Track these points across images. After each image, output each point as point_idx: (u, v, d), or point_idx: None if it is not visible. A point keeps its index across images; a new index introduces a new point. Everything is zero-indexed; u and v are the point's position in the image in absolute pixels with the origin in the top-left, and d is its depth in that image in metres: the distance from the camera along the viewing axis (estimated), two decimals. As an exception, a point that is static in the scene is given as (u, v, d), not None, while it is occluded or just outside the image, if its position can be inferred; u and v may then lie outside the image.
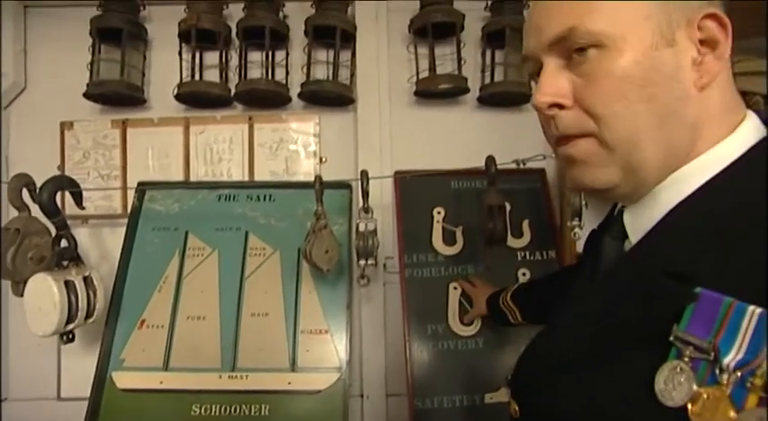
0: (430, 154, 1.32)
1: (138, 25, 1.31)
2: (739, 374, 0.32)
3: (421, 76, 1.31)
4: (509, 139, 1.29)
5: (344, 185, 1.27)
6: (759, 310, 0.32)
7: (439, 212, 1.25)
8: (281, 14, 1.33)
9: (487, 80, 1.32)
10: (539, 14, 0.46)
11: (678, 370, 0.35)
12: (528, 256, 1.24)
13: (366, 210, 1.06)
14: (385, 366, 1.25)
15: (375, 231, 1.07)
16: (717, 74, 0.41)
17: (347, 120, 1.35)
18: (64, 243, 1.06)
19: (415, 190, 1.27)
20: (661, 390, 0.35)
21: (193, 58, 1.31)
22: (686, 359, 0.35)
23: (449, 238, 1.24)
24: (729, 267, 0.36)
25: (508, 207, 1.25)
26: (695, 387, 0.34)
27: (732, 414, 0.32)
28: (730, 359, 0.33)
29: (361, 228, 1.05)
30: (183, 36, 1.30)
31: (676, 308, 0.36)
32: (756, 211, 0.37)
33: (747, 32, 1.31)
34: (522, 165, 1.11)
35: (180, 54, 1.31)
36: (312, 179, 1.08)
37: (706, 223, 0.39)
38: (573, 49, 0.42)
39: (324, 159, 1.34)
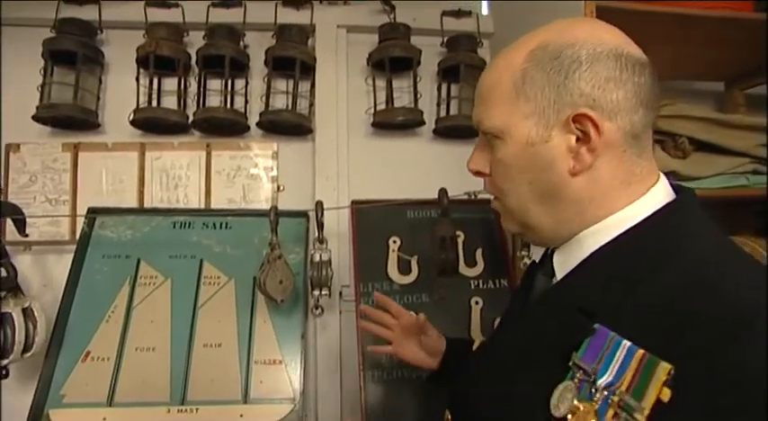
0: (386, 184, 1.35)
1: (94, 49, 1.30)
2: (606, 393, 0.40)
3: (378, 108, 1.35)
4: (463, 170, 1.30)
5: (301, 214, 1.27)
6: (629, 344, 0.40)
7: (395, 241, 1.28)
8: (241, 44, 1.34)
9: (443, 113, 1.37)
10: (475, 97, 0.57)
11: (568, 388, 0.43)
12: (481, 285, 1.28)
13: (321, 240, 1.07)
14: (341, 396, 1.24)
15: (329, 261, 1.08)
16: (590, 164, 0.48)
17: (305, 150, 1.37)
18: (3, 272, 1.01)
19: (372, 219, 1.29)
20: (553, 404, 0.43)
21: (151, 83, 1.30)
22: (576, 380, 0.43)
23: (404, 267, 1.26)
24: (624, 307, 0.44)
25: (462, 236, 1.30)
26: (576, 402, 0.42)
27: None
28: (603, 381, 0.41)
29: (316, 258, 1.06)
30: (141, 62, 1.30)
31: (579, 338, 0.44)
32: (651, 261, 0.45)
33: (672, 76, 1.43)
34: (474, 197, 1.15)
35: (137, 79, 1.30)
36: (269, 207, 1.09)
37: (611, 270, 0.47)
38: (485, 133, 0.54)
39: (281, 187, 1.35)
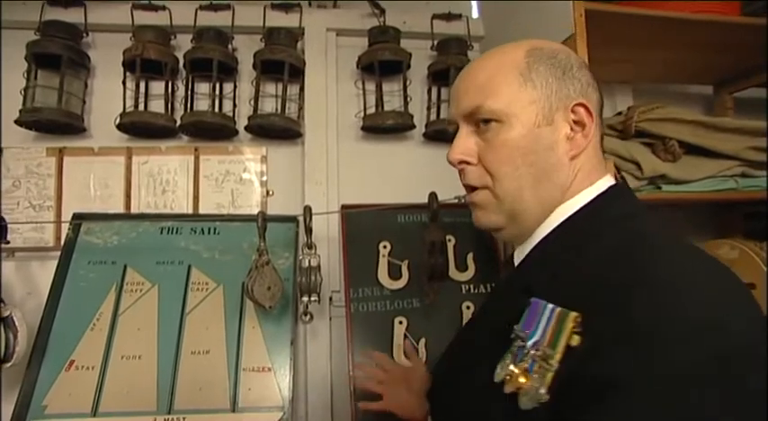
0: (376, 188, 1.34)
1: (79, 52, 1.28)
2: (533, 352, 0.46)
3: (368, 112, 1.34)
4: (454, 174, 1.32)
5: (290, 219, 1.26)
6: (550, 306, 0.47)
7: (385, 246, 1.27)
8: (230, 47, 1.33)
9: (433, 117, 1.37)
10: (458, 89, 0.59)
11: (508, 356, 0.49)
12: (472, 289, 1.27)
13: (309, 245, 1.06)
14: (331, 402, 1.23)
15: (318, 267, 1.06)
16: (584, 148, 0.55)
17: (294, 154, 1.35)
18: (-17, 281, 0.99)
19: (362, 224, 1.28)
20: (496, 373, 0.49)
21: (138, 87, 1.28)
22: (515, 348, 0.48)
23: (394, 272, 1.25)
24: (555, 281, 0.50)
25: (453, 240, 1.29)
26: (511, 366, 0.48)
27: (524, 380, 0.46)
28: (531, 342, 0.47)
29: (305, 263, 1.05)
30: (128, 65, 1.28)
31: (519, 312, 0.50)
32: (576, 245, 0.52)
33: (661, 79, 1.44)
34: (462, 201, 1.14)
35: (124, 83, 1.29)
36: (259, 212, 1.07)
37: (546, 254, 0.55)
38: (480, 120, 0.56)
39: (270, 192, 1.34)
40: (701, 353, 0.38)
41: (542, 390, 0.43)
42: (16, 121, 1.22)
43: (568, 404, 0.41)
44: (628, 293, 0.42)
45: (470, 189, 0.59)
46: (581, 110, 0.54)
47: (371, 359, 0.97)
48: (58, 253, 1.20)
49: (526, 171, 0.54)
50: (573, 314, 0.43)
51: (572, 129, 0.55)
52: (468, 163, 0.58)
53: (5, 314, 0.98)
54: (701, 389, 0.37)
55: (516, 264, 0.59)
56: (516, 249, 0.60)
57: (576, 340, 0.43)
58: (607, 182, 0.57)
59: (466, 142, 0.58)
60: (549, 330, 0.45)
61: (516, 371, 0.46)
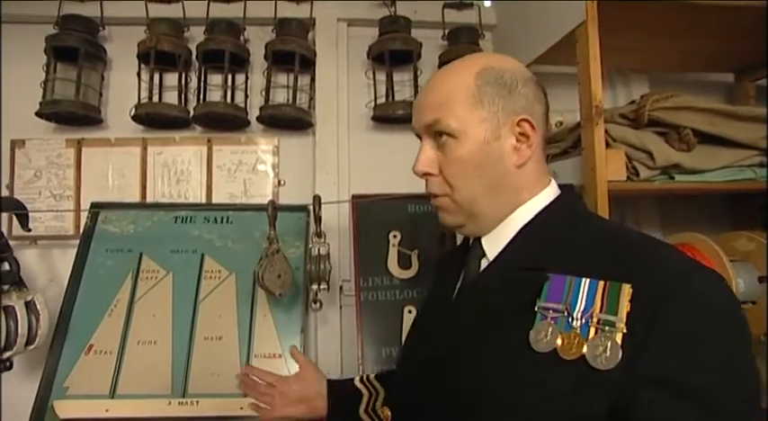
0: (387, 178, 1.34)
1: (96, 45, 1.31)
2: (583, 319, 0.51)
3: (379, 102, 1.34)
4: None
5: (301, 208, 1.27)
6: (589, 281, 0.53)
7: (395, 236, 1.27)
8: (241, 38, 1.34)
9: (444, 107, 1.36)
10: (420, 102, 0.66)
11: (543, 326, 0.53)
12: (481, 279, 1.27)
13: (319, 234, 1.07)
14: (341, 389, 1.24)
15: (328, 255, 1.07)
16: (529, 157, 0.62)
17: (306, 144, 1.37)
18: (5, 266, 1.03)
19: (372, 213, 1.28)
20: (534, 341, 0.53)
21: (152, 79, 1.31)
22: (550, 319, 0.53)
23: (404, 262, 1.26)
24: (560, 257, 0.58)
25: (463, 230, 1.29)
26: (559, 334, 0.52)
27: (583, 342, 0.50)
28: (577, 311, 0.52)
29: (314, 252, 1.06)
30: (142, 57, 1.30)
31: (536, 288, 0.55)
32: (570, 224, 0.62)
33: (681, 68, 1.40)
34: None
35: (138, 75, 1.31)
36: (269, 201, 1.09)
37: (542, 235, 0.62)
38: (436, 132, 0.63)
39: (282, 182, 1.35)
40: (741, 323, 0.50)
41: (616, 351, 0.48)
42: (37, 113, 1.26)
43: (649, 359, 0.48)
44: (652, 253, 0.54)
45: (434, 195, 0.67)
46: (525, 124, 0.62)
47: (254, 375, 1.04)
48: (78, 241, 1.24)
49: (479, 181, 0.62)
50: (626, 286, 0.50)
51: (517, 140, 0.62)
52: (430, 174, 0.65)
53: (28, 298, 1.02)
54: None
55: (492, 252, 0.65)
56: (484, 240, 0.66)
57: (629, 306, 0.50)
58: (555, 184, 0.67)
59: (428, 155, 0.65)
60: (596, 300, 0.51)
61: (569, 338, 0.51)
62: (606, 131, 0.97)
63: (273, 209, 1.05)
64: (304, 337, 1.17)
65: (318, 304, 1.16)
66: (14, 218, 1.21)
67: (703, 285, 0.50)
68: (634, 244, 0.57)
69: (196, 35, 1.35)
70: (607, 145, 0.97)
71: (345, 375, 1.24)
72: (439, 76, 0.66)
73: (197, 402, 1.10)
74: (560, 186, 0.68)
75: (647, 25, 1.09)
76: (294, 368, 1.14)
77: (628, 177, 0.98)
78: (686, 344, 0.47)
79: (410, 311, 1.21)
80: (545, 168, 0.67)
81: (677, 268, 0.52)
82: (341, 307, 1.28)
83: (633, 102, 1.09)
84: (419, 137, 0.68)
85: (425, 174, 0.66)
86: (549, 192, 0.65)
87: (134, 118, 1.30)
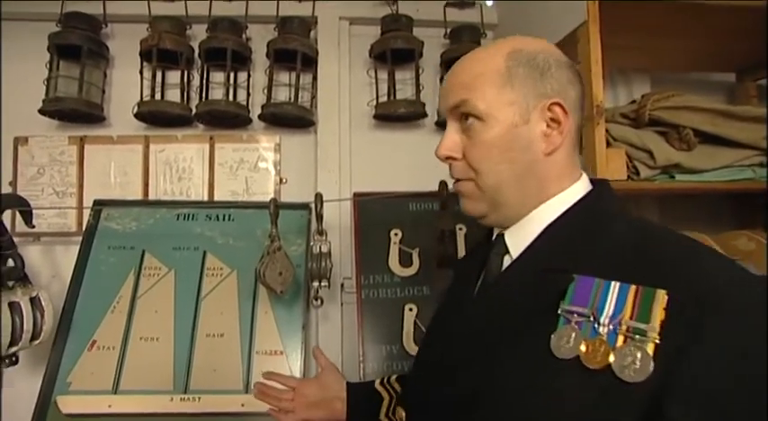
0: (388, 176, 1.35)
1: (98, 43, 1.31)
2: (611, 326, 0.47)
3: (380, 101, 1.35)
4: None
5: (303, 206, 1.28)
6: (619, 284, 0.48)
7: (396, 234, 1.28)
8: (243, 37, 1.35)
9: (445, 105, 1.36)
10: (448, 83, 0.63)
11: (566, 331, 0.49)
12: (482, 277, 1.27)
13: (320, 232, 1.08)
14: (342, 386, 1.25)
15: (329, 253, 1.08)
16: (560, 145, 0.58)
17: (307, 142, 1.37)
18: (10, 263, 1.04)
19: (373, 211, 1.29)
20: (555, 347, 0.49)
21: (154, 76, 1.31)
22: (574, 323, 0.49)
23: (405, 260, 1.26)
24: (588, 259, 0.53)
25: (464, 229, 1.29)
26: (583, 340, 0.48)
27: (609, 351, 0.46)
28: (605, 316, 0.48)
29: (315, 250, 1.07)
30: (145, 55, 1.31)
31: (560, 289, 0.51)
32: (599, 225, 0.56)
33: (683, 67, 1.40)
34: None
35: (141, 72, 1.32)
36: (271, 199, 1.10)
37: (569, 235, 0.57)
38: (463, 113, 0.60)
39: (284, 180, 1.36)
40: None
41: (647, 363, 0.44)
42: (40, 111, 1.26)
43: (683, 374, 0.43)
44: (693, 254, 0.50)
45: (456, 180, 0.64)
46: (557, 108, 0.58)
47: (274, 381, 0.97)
48: (80, 238, 1.25)
49: (505, 167, 0.58)
50: (661, 292, 0.46)
51: (548, 126, 0.58)
52: (454, 158, 0.62)
53: (32, 294, 1.03)
54: None
55: (516, 249, 0.60)
56: (507, 235, 0.62)
57: (663, 314, 0.45)
58: (587, 178, 0.62)
59: (452, 139, 0.61)
60: (627, 306, 0.47)
61: (594, 345, 0.47)
62: (607, 131, 0.97)
63: (275, 206, 1.06)
64: (305, 335, 1.18)
65: (319, 301, 1.16)
66: (18, 214, 1.22)
67: (751, 297, 0.45)
68: (671, 245, 0.52)
69: (198, 33, 1.36)
70: (608, 144, 0.97)
71: (346, 373, 1.25)
72: (469, 57, 0.62)
73: (198, 398, 1.11)
74: (593, 181, 0.63)
75: (649, 25, 1.09)
76: (295, 365, 1.15)
77: (628, 177, 0.99)
78: (730, 363, 0.43)
79: (411, 309, 1.22)
80: (577, 161, 0.62)
81: (722, 276, 0.47)
82: (342, 304, 1.28)
83: (634, 101, 1.09)
84: (444, 124, 0.64)
85: (448, 158, 0.62)
86: (579, 188, 0.60)
87: (136, 115, 1.30)
